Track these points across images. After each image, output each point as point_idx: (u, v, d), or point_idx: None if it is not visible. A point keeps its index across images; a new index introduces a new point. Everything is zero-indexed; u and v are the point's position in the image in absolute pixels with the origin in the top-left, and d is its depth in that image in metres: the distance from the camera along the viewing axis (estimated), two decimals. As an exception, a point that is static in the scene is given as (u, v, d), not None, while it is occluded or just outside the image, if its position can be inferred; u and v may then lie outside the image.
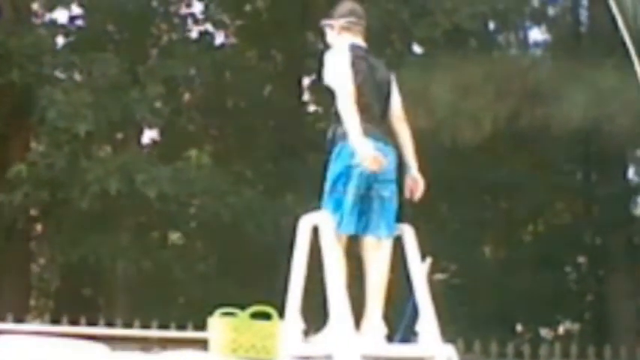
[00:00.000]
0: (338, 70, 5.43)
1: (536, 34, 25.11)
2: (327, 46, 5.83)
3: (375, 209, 5.44)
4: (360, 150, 5.22)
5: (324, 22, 5.89)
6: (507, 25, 19.55)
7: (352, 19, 5.76)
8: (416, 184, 5.77)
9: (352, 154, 5.32)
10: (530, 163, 18.77)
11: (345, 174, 5.34)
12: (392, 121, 5.71)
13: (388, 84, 5.70)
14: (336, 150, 5.41)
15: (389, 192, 5.51)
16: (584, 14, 20.62)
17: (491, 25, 19.44)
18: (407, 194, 5.74)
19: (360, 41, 5.74)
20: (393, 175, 5.56)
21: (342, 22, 5.76)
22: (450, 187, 18.33)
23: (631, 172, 20.55)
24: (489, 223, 20.39)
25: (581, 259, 21.47)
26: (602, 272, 20.00)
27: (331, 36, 5.84)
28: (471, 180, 17.86)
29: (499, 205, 20.02)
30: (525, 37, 21.37)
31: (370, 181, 5.38)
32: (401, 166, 5.75)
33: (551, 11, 21.28)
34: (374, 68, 5.62)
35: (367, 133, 5.33)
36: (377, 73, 5.63)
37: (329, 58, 5.56)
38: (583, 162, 20.56)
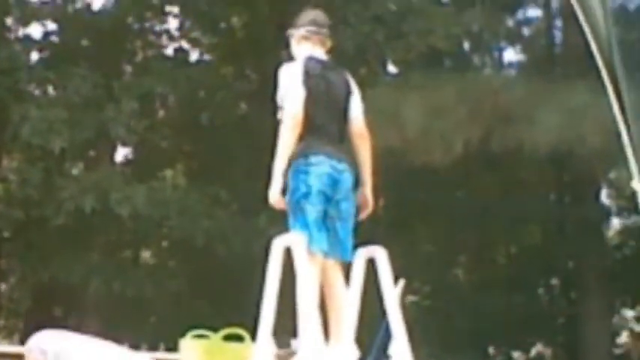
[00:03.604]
0: (288, 91, 5.33)
1: (511, 55, 25.32)
2: (291, 57, 5.70)
3: (332, 229, 5.36)
4: (271, 187, 5.23)
5: (288, 31, 5.80)
6: (482, 46, 19.67)
7: (312, 28, 5.63)
8: (365, 203, 5.59)
9: (308, 172, 5.28)
10: (502, 184, 18.83)
11: (306, 192, 5.28)
12: (351, 137, 5.56)
13: (346, 99, 5.53)
14: (294, 168, 5.33)
15: (343, 212, 5.40)
16: (558, 35, 20.78)
17: (466, 46, 19.53)
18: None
19: (319, 52, 5.60)
20: (348, 194, 5.43)
21: (301, 31, 5.64)
22: (423, 208, 18.38)
23: (604, 195, 20.67)
24: (462, 245, 20.42)
25: (554, 281, 21.55)
26: (574, 295, 20.06)
27: (292, 46, 5.72)
28: (443, 201, 17.89)
29: (472, 227, 20.06)
30: (500, 58, 21.51)
31: (328, 200, 5.32)
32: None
33: (525, 32, 21.44)
34: (330, 83, 5.46)
35: (320, 150, 5.29)
36: (333, 88, 5.47)
37: (282, 75, 5.45)
38: (556, 184, 20.67)
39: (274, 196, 5.26)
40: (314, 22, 5.67)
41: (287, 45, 5.81)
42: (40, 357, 5.17)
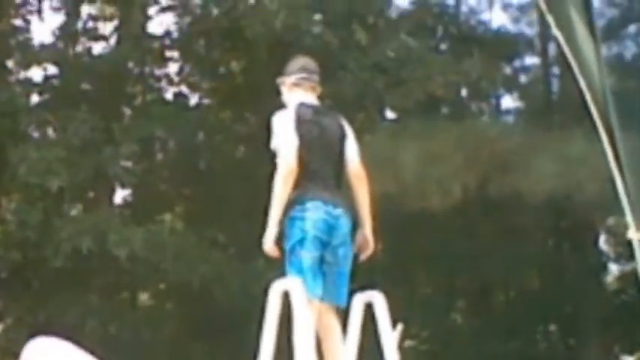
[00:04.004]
0: (281, 139, 5.34)
1: (509, 102, 25.47)
2: (282, 105, 5.69)
3: (328, 275, 5.34)
4: (266, 235, 5.25)
5: (278, 79, 5.81)
6: (480, 93, 19.79)
7: (303, 75, 5.63)
8: (365, 243, 5.55)
9: (304, 219, 5.28)
10: (500, 231, 18.86)
11: (301, 239, 5.27)
12: (349, 178, 5.53)
13: (341, 142, 5.52)
14: (290, 214, 5.32)
15: (340, 258, 5.38)
16: (555, 83, 20.94)
17: (464, 93, 19.67)
18: (355, 251, 5.63)
19: (310, 98, 5.61)
20: (344, 240, 5.40)
21: (292, 78, 5.64)
22: (421, 253, 18.39)
23: (602, 241, 20.71)
24: (460, 290, 20.41)
25: (552, 327, 21.49)
26: (572, 341, 20.01)
27: (284, 93, 5.72)
28: (441, 246, 17.91)
29: (470, 272, 20.07)
30: (498, 105, 21.65)
31: (324, 246, 5.30)
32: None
33: (523, 79, 21.62)
34: (323, 128, 5.46)
35: (315, 196, 5.29)
36: (327, 133, 5.46)
37: (274, 124, 5.44)
38: (554, 230, 20.68)
39: (268, 244, 5.28)
40: (304, 69, 5.68)
41: (278, 93, 5.83)
42: None
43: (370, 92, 15.81)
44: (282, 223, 5.30)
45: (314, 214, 5.28)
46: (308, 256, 5.24)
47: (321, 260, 5.31)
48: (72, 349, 5.68)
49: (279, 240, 5.30)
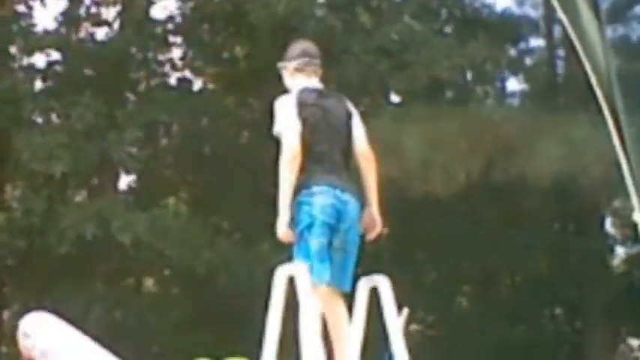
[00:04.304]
0: (283, 124, 5.32)
1: (514, 85, 25.41)
2: (285, 90, 5.63)
3: (335, 260, 5.32)
4: (278, 221, 5.22)
5: (279, 64, 5.75)
6: (485, 76, 19.74)
7: (305, 59, 5.60)
8: (372, 222, 5.51)
9: (311, 203, 5.25)
10: (505, 214, 18.84)
11: (309, 224, 5.24)
12: (355, 158, 5.50)
13: (347, 124, 5.47)
14: (297, 199, 5.28)
15: (348, 242, 5.36)
16: (560, 65, 20.88)
17: (469, 76, 19.61)
18: (362, 230, 5.52)
19: (313, 82, 5.57)
20: (353, 224, 5.37)
21: (294, 63, 5.60)
22: (427, 238, 18.37)
23: (608, 224, 20.67)
24: (466, 275, 20.39)
25: (558, 311, 21.49)
26: (579, 324, 20.00)
27: (286, 78, 5.68)
28: (447, 231, 17.88)
29: (475, 257, 20.06)
30: (503, 87, 21.60)
31: (332, 231, 5.28)
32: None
33: (528, 61, 21.56)
34: (327, 110, 5.42)
35: (322, 180, 5.26)
36: (331, 115, 5.42)
37: (277, 109, 5.41)
38: (559, 214, 20.64)
39: (282, 230, 5.27)
40: (306, 54, 5.65)
41: (279, 78, 5.79)
42: (25, 341, 5.51)
43: (374, 76, 15.76)
44: (291, 208, 5.28)
45: (322, 198, 5.25)
46: (316, 241, 5.21)
47: (329, 245, 5.30)
48: (63, 324, 5.85)
49: (291, 225, 5.29)
